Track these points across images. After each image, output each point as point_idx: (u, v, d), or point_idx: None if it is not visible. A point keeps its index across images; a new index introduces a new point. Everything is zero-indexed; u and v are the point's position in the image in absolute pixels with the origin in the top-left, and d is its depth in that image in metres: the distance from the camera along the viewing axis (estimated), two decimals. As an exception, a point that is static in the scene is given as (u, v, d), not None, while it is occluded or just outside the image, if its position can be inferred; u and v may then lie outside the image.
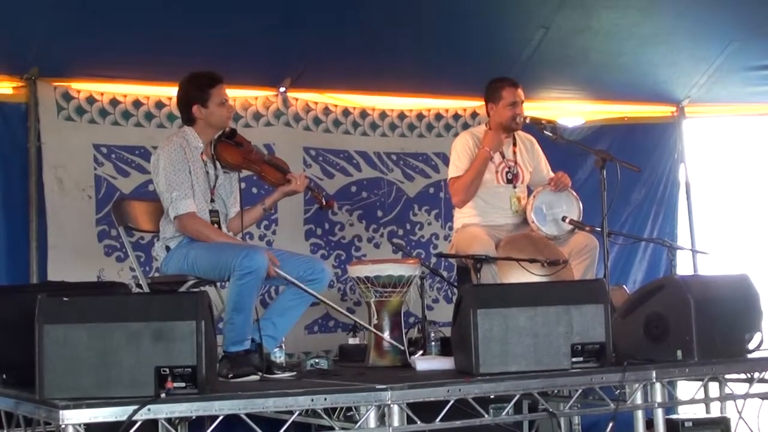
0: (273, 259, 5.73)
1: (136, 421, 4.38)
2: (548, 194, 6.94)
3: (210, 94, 6.04)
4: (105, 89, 7.42)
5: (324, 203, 6.42)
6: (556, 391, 6.11)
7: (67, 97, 7.27)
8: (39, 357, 4.49)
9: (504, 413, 5.47)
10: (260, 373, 5.55)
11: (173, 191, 5.87)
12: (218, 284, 6.27)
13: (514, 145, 7.18)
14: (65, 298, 4.63)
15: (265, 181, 6.34)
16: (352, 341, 7.28)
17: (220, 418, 4.63)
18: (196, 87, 6.07)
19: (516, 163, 7.13)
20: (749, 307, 6.07)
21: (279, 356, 5.93)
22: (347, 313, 6.93)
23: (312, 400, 4.75)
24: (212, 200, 6.07)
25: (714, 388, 6.45)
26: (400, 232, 8.36)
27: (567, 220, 6.82)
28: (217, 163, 6.13)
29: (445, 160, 7.51)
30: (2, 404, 5.03)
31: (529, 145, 7.28)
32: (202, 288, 5.91)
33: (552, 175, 7.11)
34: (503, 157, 7.10)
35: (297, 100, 8.09)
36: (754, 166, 10.19)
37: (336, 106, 8.27)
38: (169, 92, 7.53)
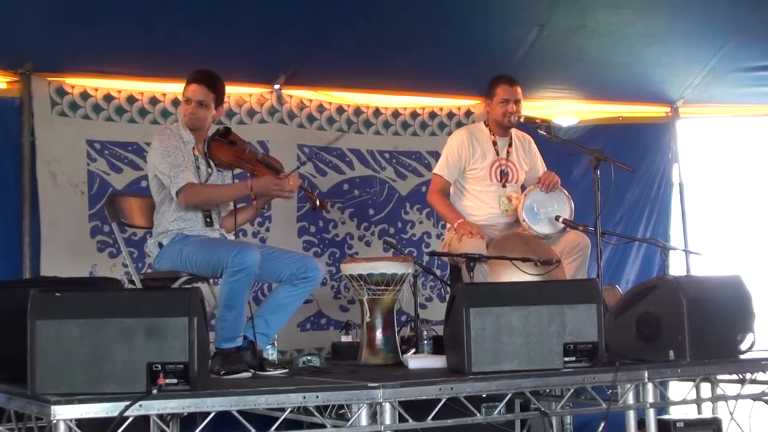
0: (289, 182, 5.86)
1: (127, 417, 4.38)
2: (539, 193, 6.92)
3: (184, 90, 6.09)
4: (99, 85, 7.42)
5: (317, 204, 6.41)
6: (548, 391, 6.11)
7: (61, 92, 7.27)
8: (31, 352, 4.49)
9: (496, 412, 5.47)
10: (252, 370, 5.55)
11: (172, 170, 5.88)
12: (211, 281, 6.27)
13: (510, 144, 7.17)
14: (57, 294, 4.62)
15: None
16: (344, 339, 7.28)
17: (212, 414, 4.63)
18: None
19: (509, 161, 7.12)
20: (741, 308, 6.07)
21: (271, 353, 5.94)
22: None
23: (304, 397, 4.75)
24: (204, 195, 6.08)
25: (706, 388, 6.46)
26: (392, 230, 8.36)
27: (560, 220, 6.81)
28: (211, 161, 6.13)
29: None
30: (-6, 399, 5.03)
31: (527, 144, 7.27)
32: (195, 284, 5.90)
33: (546, 173, 7.12)
34: (497, 155, 7.10)
35: (291, 97, 8.09)
36: (747, 167, 10.19)
37: (330, 103, 8.27)
38: (163, 88, 7.54)
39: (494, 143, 7.10)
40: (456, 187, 7.12)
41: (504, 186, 7.09)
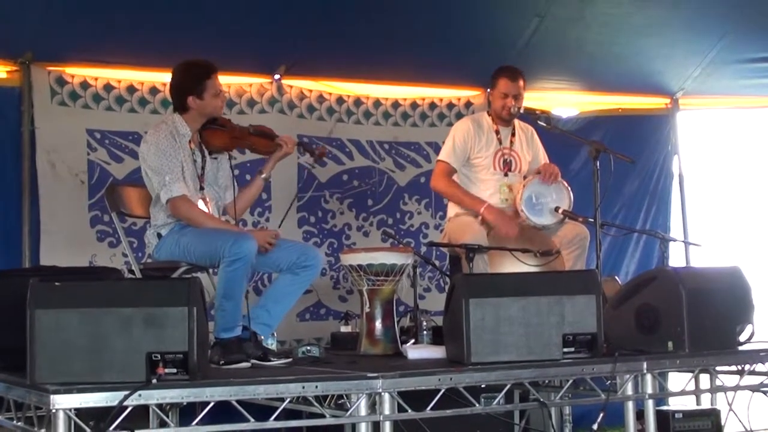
0: (264, 237, 5.76)
1: (126, 407, 4.39)
2: (538, 184, 6.91)
3: (206, 86, 6.01)
4: (99, 74, 7.41)
5: (316, 152, 6.45)
6: (547, 381, 6.11)
7: (61, 81, 7.26)
8: (30, 342, 4.49)
9: (495, 403, 5.48)
10: (251, 360, 5.55)
11: (166, 175, 5.87)
12: (210, 271, 6.27)
13: (513, 134, 7.17)
14: (57, 283, 4.63)
15: (258, 153, 6.37)
16: (344, 329, 7.28)
17: (211, 404, 4.63)
18: (191, 78, 6.03)
19: (512, 151, 7.13)
20: (740, 300, 6.08)
21: (270, 343, 5.94)
22: None
23: (303, 387, 4.75)
24: (201, 187, 6.07)
25: (705, 379, 6.46)
26: (390, 221, 8.35)
27: (560, 211, 6.81)
28: (204, 150, 6.13)
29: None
30: (-7, 388, 5.03)
31: (530, 135, 7.27)
32: (194, 274, 5.90)
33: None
34: (500, 144, 7.10)
35: (291, 87, 8.08)
36: (747, 159, 10.20)
37: (330, 94, 8.27)
38: (163, 78, 7.50)
39: (497, 132, 7.11)
40: (459, 176, 7.11)
41: (506, 175, 7.09)
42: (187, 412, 5.55)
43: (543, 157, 7.23)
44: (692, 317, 5.78)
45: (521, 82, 7.06)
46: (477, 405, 5.29)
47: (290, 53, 7.86)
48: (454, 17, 7.74)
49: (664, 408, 6.56)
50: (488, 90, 7.21)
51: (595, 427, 5.56)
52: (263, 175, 6.35)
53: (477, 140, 7.05)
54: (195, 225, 5.91)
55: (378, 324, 6.44)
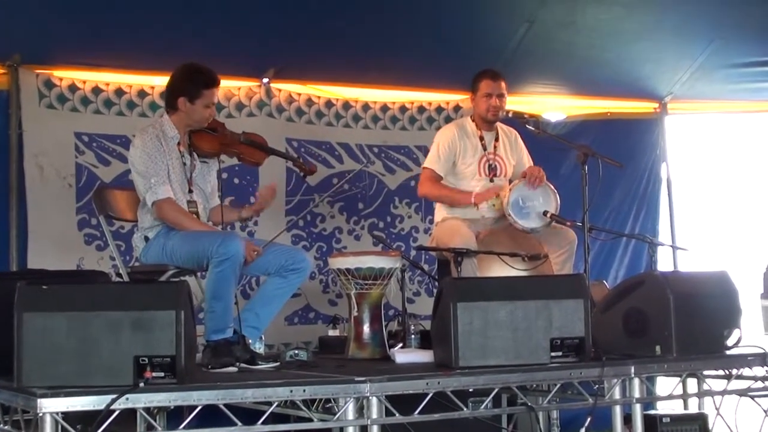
0: (250, 248, 5.75)
1: (114, 410, 4.38)
2: (525, 187, 6.91)
3: (201, 94, 6.01)
4: (87, 77, 7.40)
5: (306, 169, 6.45)
6: (534, 386, 6.11)
7: (49, 84, 7.25)
8: (17, 345, 4.48)
9: (483, 407, 5.47)
10: (238, 364, 5.54)
11: (151, 177, 5.87)
12: (198, 274, 6.26)
13: (497, 139, 7.18)
14: (45, 287, 4.62)
15: (246, 163, 6.35)
16: (332, 333, 7.28)
17: (199, 408, 4.63)
18: (190, 81, 6.03)
19: (496, 155, 7.13)
20: (728, 304, 6.08)
21: (258, 347, 5.93)
22: None
23: (291, 391, 4.75)
24: (190, 191, 6.06)
25: (692, 384, 6.47)
26: (381, 224, 8.36)
27: (548, 215, 6.81)
28: (194, 153, 6.12)
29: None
30: (-20, 392, 5.01)
31: (513, 138, 7.28)
32: (182, 278, 5.90)
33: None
34: (485, 149, 7.11)
35: (280, 91, 8.08)
36: (735, 164, 10.22)
37: (319, 97, 8.27)
38: (151, 81, 7.52)
39: (481, 138, 7.12)
40: (446, 183, 7.11)
41: (492, 180, 7.09)
42: (174, 416, 5.54)
43: (527, 161, 7.24)
44: (680, 321, 5.78)
45: (502, 83, 7.08)
46: (465, 409, 5.27)
47: (279, 57, 7.86)
48: (444, 21, 7.75)
49: (652, 412, 6.57)
50: (471, 95, 7.19)
51: (582, 431, 5.57)
52: (241, 215, 6.39)
53: (462, 146, 7.06)
54: (180, 228, 5.91)
55: (366, 328, 6.42)
